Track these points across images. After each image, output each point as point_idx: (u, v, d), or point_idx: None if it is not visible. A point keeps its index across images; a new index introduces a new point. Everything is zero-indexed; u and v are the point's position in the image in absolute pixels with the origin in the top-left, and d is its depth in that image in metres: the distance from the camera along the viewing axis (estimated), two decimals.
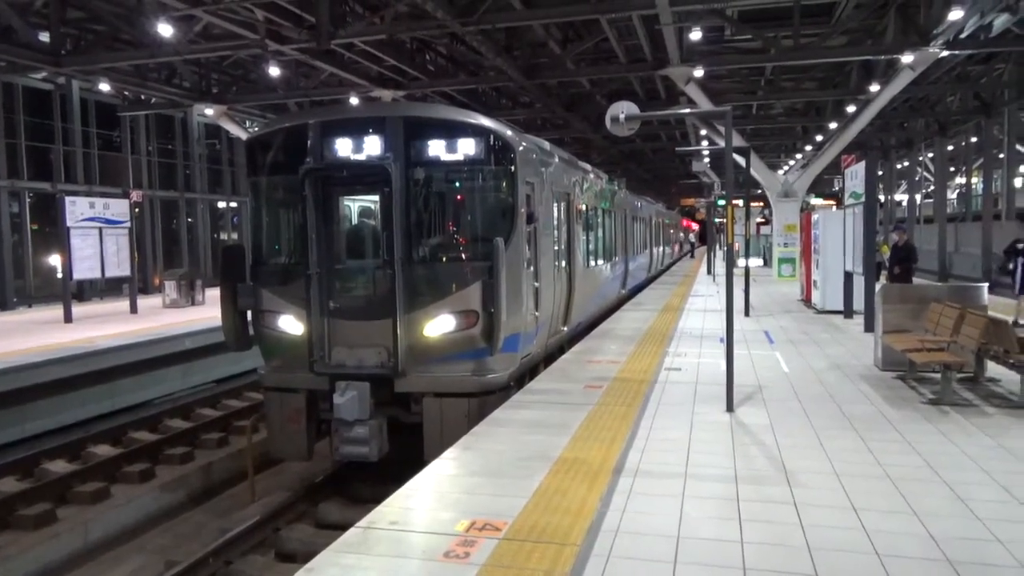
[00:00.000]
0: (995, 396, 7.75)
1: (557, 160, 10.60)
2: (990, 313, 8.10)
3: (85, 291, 21.55)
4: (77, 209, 16.26)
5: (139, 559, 7.58)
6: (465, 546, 4.19)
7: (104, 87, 20.42)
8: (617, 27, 17.29)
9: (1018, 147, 33.36)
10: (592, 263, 13.50)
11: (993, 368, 8.29)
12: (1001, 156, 30.73)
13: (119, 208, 17.44)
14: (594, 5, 14.57)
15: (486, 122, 8.17)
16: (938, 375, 7.74)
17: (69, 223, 15.92)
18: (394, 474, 6.37)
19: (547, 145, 10.45)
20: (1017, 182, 32.76)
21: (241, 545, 7.26)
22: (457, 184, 8.17)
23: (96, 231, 16.64)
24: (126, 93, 23.49)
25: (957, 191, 42.40)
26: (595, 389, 8.16)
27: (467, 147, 7.86)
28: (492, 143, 7.94)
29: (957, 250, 31.64)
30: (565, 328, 10.94)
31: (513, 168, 8.03)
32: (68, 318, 15.86)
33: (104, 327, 14.90)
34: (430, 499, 5.00)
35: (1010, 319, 9.63)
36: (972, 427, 6.58)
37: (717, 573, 3.89)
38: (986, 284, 9.75)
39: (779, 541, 4.25)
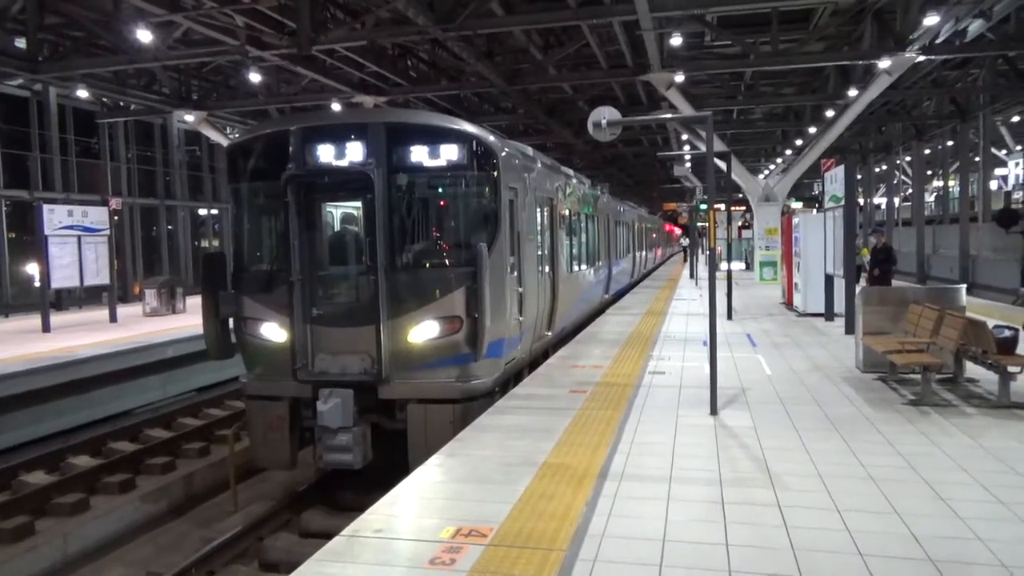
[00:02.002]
0: (974, 396, 7.85)
1: (540, 165, 10.62)
2: (968, 314, 8.20)
3: (63, 300, 21.26)
4: (55, 217, 16.05)
5: (119, 571, 7.48)
6: (451, 553, 4.17)
7: (82, 94, 20.17)
8: (598, 33, 17.37)
9: (993, 151, 33.87)
10: (576, 268, 13.52)
11: (972, 369, 8.39)
12: (977, 159, 31.18)
13: (98, 216, 17.24)
14: (575, 11, 14.63)
15: (468, 128, 8.17)
16: (918, 376, 7.82)
17: (47, 231, 15.71)
18: (379, 481, 6.34)
19: (529, 150, 10.47)
20: (993, 185, 33.25)
21: (224, 555, 7.20)
22: (440, 190, 8.17)
23: (75, 239, 16.43)
24: (104, 100, 23.25)
25: (934, 194, 42.98)
26: (580, 394, 8.17)
27: (449, 153, 7.86)
28: (475, 149, 7.95)
29: (935, 252, 32.02)
30: (549, 333, 10.95)
31: (496, 173, 8.03)
32: (46, 327, 15.64)
33: (83, 336, 14.71)
34: (415, 506, 4.98)
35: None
36: (952, 427, 6.65)
37: None
38: (964, 285, 9.88)
39: (764, 543, 4.27)
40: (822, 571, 3.90)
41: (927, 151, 37.37)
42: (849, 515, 4.64)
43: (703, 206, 28.25)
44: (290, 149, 7.86)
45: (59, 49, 17.92)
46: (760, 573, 3.91)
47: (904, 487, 5.13)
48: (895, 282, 14.79)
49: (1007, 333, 7.39)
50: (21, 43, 16.89)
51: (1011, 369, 7.23)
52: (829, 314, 14.05)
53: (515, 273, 8.69)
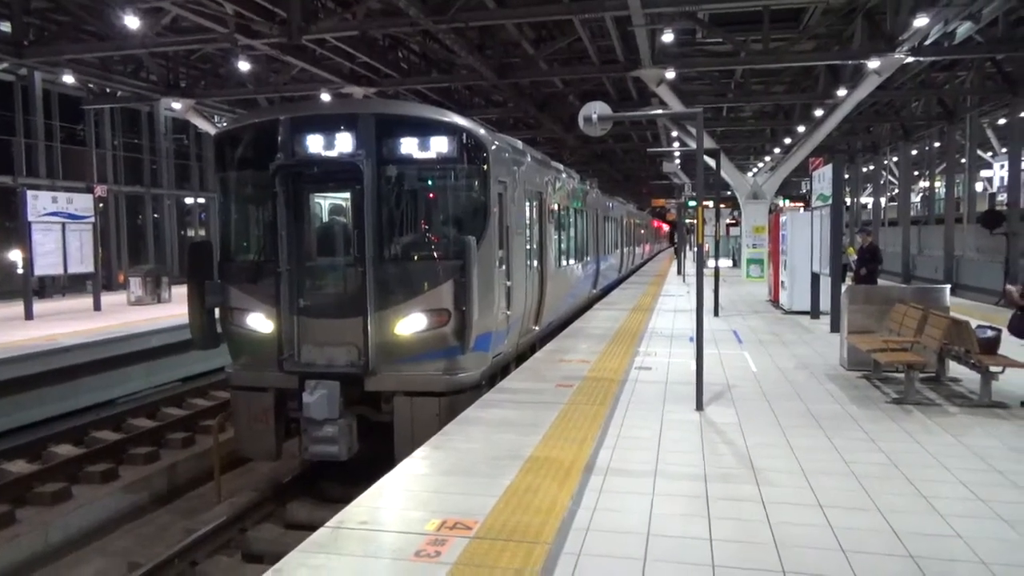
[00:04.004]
0: (956, 395, 7.92)
1: (529, 159, 10.61)
2: (952, 314, 8.28)
3: (47, 288, 21.07)
4: (39, 203, 15.89)
5: (101, 561, 7.42)
6: (436, 545, 4.17)
7: (68, 79, 19.92)
8: (590, 28, 17.34)
9: (979, 152, 34.15)
10: (564, 262, 13.53)
11: (954, 368, 8.47)
12: (963, 161, 31.43)
13: (83, 203, 17.07)
14: (567, 5, 14.61)
15: (459, 120, 8.14)
16: (902, 375, 7.89)
17: (31, 218, 15.54)
18: (364, 473, 6.33)
19: (520, 144, 10.45)
20: (978, 186, 33.54)
21: (207, 546, 7.16)
22: (429, 182, 8.15)
23: (59, 226, 16.27)
24: (91, 86, 22.98)
25: (920, 195, 43.30)
26: (566, 388, 8.18)
27: (439, 145, 7.83)
28: (465, 141, 7.92)
29: (920, 252, 32.26)
30: (536, 327, 10.96)
31: (486, 167, 8.01)
32: (29, 315, 15.49)
33: (66, 324, 14.58)
34: (400, 498, 4.97)
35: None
36: (934, 425, 6.71)
37: (686, 570, 3.92)
38: (948, 286, 9.96)
39: (747, 538, 4.30)
40: (804, 566, 3.94)
41: (914, 152, 37.63)
42: (831, 511, 4.67)
43: (692, 203, 28.32)
44: (279, 139, 7.80)
45: (45, 34, 17.70)
46: (743, 568, 3.94)
47: (886, 484, 5.18)
48: (880, 281, 14.89)
49: (989, 333, 7.47)
50: (6, 27, 16.66)
51: (993, 369, 7.31)
52: (815, 312, 14.13)
53: (503, 267, 8.68)
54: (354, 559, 4.06)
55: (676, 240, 39.07)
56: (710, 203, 20.27)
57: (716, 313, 15.04)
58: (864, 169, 45.89)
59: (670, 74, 17.83)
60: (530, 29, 18.77)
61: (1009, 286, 7.88)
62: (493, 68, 18.34)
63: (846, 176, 37.29)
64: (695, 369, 7.46)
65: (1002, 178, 36.45)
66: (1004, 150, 37.38)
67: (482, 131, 8.34)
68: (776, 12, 17.21)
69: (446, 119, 8.11)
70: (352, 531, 4.41)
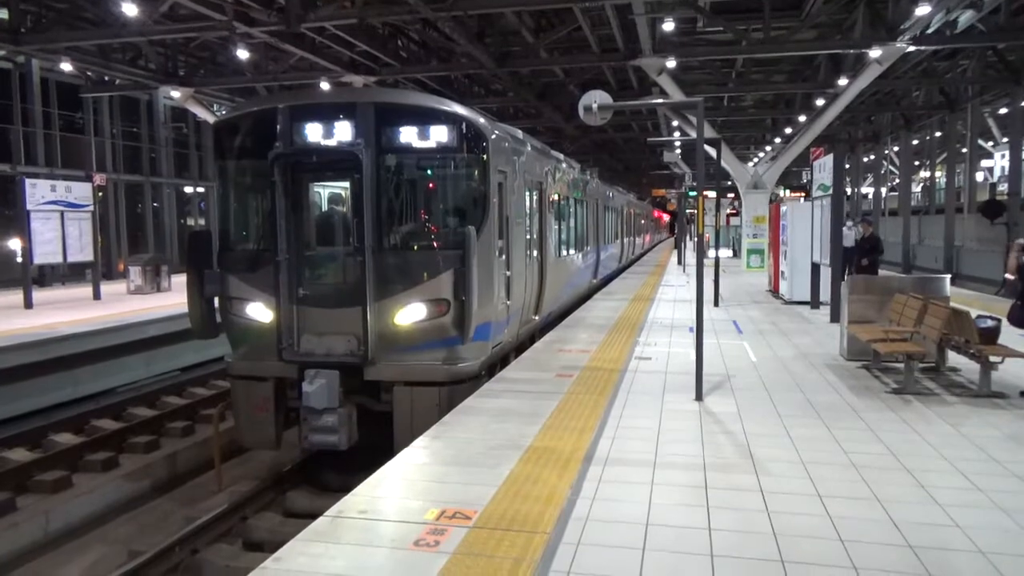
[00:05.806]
0: (955, 385, 7.93)
1: (529, 149, 10.57)
2: (952, 304, 8.27)
3: (46, 276, 21.06)
4: (38, 192, 15.85)
5: (101, 549, 7.44)
6: (435, 535, 4.17)
7: (66, 67, 19.83)
8: (590, 16, 17.27)
9: (980, 142, 34.05)
10: (564, 252, 13.51)
11: (954, 358, 8.47)
12: (964, 151, 31.35)
13: (82, 191, 17.04)
14: None
15: (458, 109, 8.11)
16: (901, 365, 7.89)
17: (29, 206, 15.52)
18: (363, 463, 6.33)
19: (519, 133, 10.40)
20: (979, 176, 33.46)
21: (208, 534, 7.18)
22: (429, 171, 8.11)
23: (58, 215, 16.24)
24: (89, 74, 22.89)
25: (921, 184, 43.21)
26: (566, 378, 8.19)
27: (439, 134, 7.79)
28: (464, 131, 7.89)
29: (921, 242, 32.25)
30: (536, 317, 10.95)
31: (485, 156, 7.98)
32: (28, 304, 15.49)
33: (66, 313, 14.57)
34: (400, 488, 4.98)
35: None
36: (933, 415, 6.72)
37: (685, 560, 3.93)
38: (948, 276, 9.95)
39: (746, 528, 4.31)
40: (803, 556, 3.94)
41: (915, 141, 37.53)
42: (830, 501, 4.68)
43: (692, 193, 28.24)
44: (278, 127, 7.77)
45: (42, 21, 17.61)
46: (742, 557, 3.94)
47: (885, 474, 5.18)
48: (881, 271, 14.89)
49: (989, 323, 7.46)
50: (3, 14, 16.56)
51: (992, 359, 7.31)
52: (815, 302, 14.13)
53: (503, 256, 8.66)
54: (353, 548, 4.07)
55: (676, 230, 39.02)
56: (711, 193, 20.24)
57: (716, 303, 15.04)
58: (865, 159, 45.78)
59: (671, 63, 17.75)
60: (530, 18, 18.68)
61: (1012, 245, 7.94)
62: (493, 57, 18.26)
63: (847, 166, 37.23)
64: (695, 359, 7.46)
65: (1003, 168, 36.32)
66: (1005, 140, 37.28)
67: (482, 120, 8.31)
68: (777, 0, 17.13)
69: (445, 108, 8.07)
70: (351, 520, 4.42)
